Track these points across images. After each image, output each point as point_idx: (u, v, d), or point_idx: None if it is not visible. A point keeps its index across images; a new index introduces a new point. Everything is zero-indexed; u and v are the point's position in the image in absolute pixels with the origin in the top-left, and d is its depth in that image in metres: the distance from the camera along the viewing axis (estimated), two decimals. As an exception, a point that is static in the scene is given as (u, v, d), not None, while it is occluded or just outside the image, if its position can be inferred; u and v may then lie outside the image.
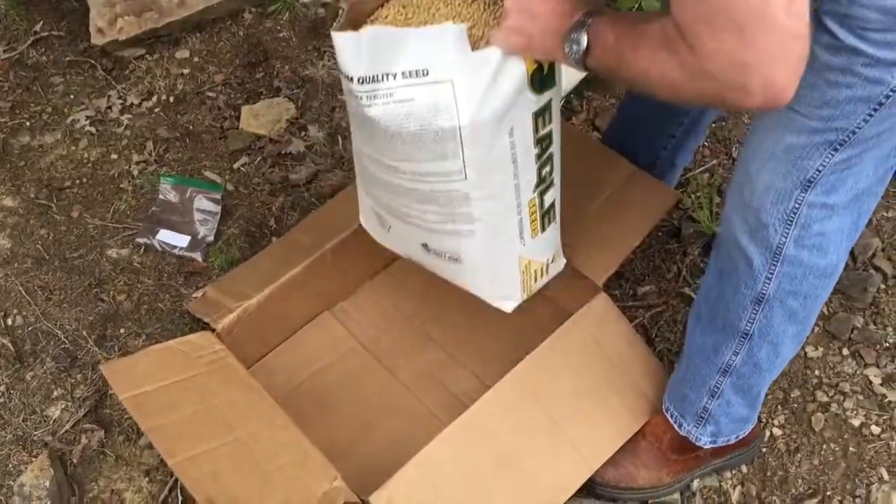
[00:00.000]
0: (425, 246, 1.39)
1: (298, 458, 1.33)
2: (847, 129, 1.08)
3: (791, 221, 1.17)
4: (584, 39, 1.06)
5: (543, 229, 1.36)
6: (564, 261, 1.47)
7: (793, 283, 1.22)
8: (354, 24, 1.25)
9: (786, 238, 1.18)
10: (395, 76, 1.16)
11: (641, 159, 1.63)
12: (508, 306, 1.41)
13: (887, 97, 1.03)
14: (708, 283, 1.34)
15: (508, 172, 1.25)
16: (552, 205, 1.35)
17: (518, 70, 1.16)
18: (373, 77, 1.18)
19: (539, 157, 1.27)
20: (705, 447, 1.45)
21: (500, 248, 1.34)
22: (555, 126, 1.27)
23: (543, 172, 1.30)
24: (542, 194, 1.32)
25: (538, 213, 1.33)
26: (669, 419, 1.45)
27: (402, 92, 1.17)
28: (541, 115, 1.23)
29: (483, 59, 1.14)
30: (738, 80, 0.90)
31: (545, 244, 1.39)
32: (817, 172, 1.12)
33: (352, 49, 1.19)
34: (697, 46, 0.91)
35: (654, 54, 0.97)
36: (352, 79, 1.20)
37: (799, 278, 1.22)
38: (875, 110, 1.05)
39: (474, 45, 1.16)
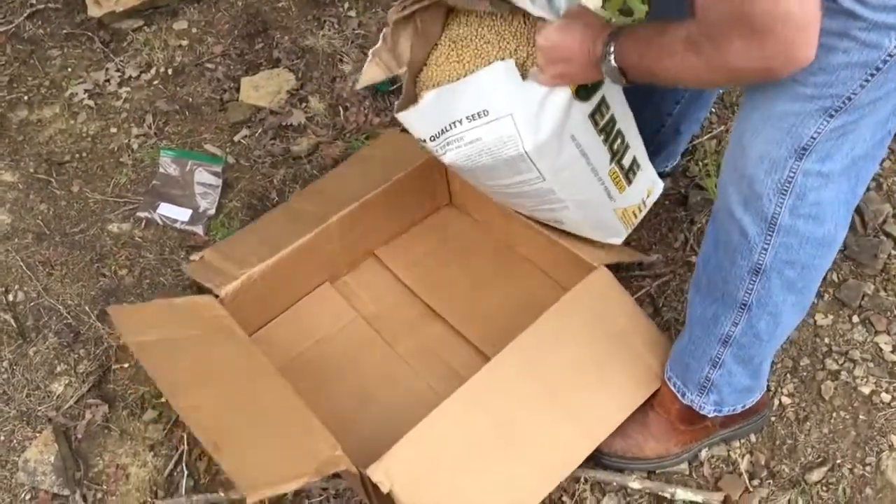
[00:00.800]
0: (532, 216, 1.58)
1: (301, 420, 1.32)
2: (843, 95, 1.05)
3: (786, 191, 1.14)
4: (614, 64, 1.16)
5: (629, 182, 1.49)
6: (661, 184, 1.60)
7: (789, 252, 1.20)
8: (414, 75, 1.39)
9: (780, 208, 1.15)
10: (460, 122, 1.30)
11: (648, 126, 1.60)
12: (617, 241, 1.60)
13: (884, 62, 1.01)
14: (706, 254, 1.31)
15: (581, 164, 1.38)
16: (633, 160, 1.48)
17: (562, 93, 1.27)
18: (441, 131, 1.32)
19: (606, 140, 1.39)
20: (710, 416, 1.44)
21: (593, 211, 1.50)
22: (614, 108, 1.38)
23: (615, 146, 1.42)
24: (619, 161, 1.44)
25: (620, 175, 1.47)
26: (672, 388, 1.43)
27: (469, 134, 1.30)
28: (596, 111, 1.35)
29: (532, 89, 1.25)
30: (763, 66, 0.99)
31: (634, 192, 1.52)
32: (812, 140, 1.10)
33: (416, 119, 1.34)
34: (723, 46, 0.99)
35: (682, 60, 1.06)
36: (424, 140, 1.35)
37: (795, 248, 1.19)
38: (872, 76, 1.03)
39: (523, 70, 1.27)
